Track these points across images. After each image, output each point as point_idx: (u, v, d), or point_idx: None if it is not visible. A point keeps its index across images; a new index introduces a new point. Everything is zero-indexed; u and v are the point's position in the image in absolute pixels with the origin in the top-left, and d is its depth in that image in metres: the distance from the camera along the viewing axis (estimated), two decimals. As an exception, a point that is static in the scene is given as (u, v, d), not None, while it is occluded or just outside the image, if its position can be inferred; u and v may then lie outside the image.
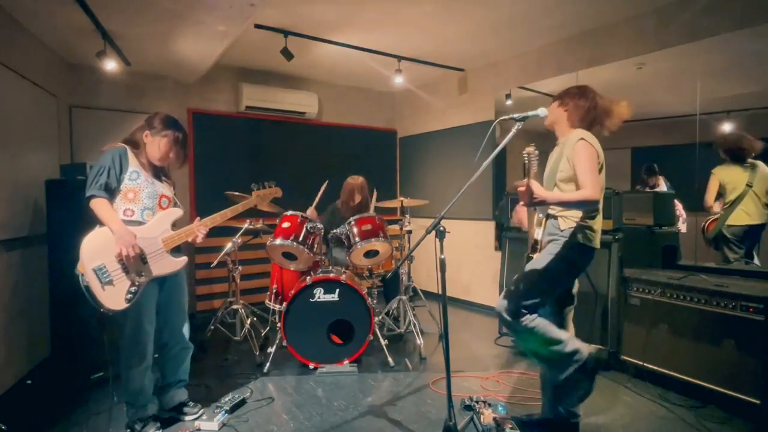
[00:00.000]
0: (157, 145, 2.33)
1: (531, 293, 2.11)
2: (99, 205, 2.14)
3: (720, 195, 3.37)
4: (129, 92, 4.29)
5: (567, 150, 2.11)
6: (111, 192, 2.19)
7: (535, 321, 2.10)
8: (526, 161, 2.00)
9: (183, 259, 2.36)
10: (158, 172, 2.42)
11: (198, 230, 2.38)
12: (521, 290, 2.12)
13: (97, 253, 2.11)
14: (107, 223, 2.14)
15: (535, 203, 1.98)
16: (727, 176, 3.33)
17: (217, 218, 2.46)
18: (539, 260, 2.15)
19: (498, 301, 2.20)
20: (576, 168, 2.04)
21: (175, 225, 2.35)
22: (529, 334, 2.11)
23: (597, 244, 2.14)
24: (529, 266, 2.17)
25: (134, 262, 2.17)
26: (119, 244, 2.11)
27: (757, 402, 2.35)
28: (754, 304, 2.41)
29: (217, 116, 4.83)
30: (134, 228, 2.20)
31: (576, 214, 2.11)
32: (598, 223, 2.14)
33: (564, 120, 2.20)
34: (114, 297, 2.13)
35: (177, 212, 2.37)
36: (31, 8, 2.92)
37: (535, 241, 2.24)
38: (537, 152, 1.99)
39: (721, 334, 2.53)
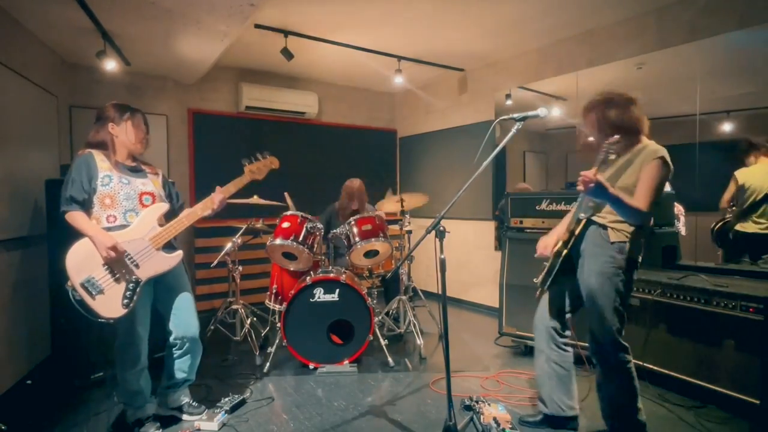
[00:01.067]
0: (125, 131, 2.27)
1: (616, 320, 2.04)
2: (72, 218, 2.12)
3: (735, 199, 3.24)
4: (129, 92, 4.29)
5: (642, 161, 2.01)
6: (81, 203, 2.14)
7: (631, 361, 2.10)
8: (605, 152, 1.91)
9: (177, 254, 2.29)
10: (136, 167, 2.34)
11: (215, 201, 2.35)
12: (608, 322, 2.04)
13: (82, 266, 2.08)
14: (84, 232, 2.11)
15: (595, 193, 1.89)
16: (749, 179, 3.18)
17: (197, 210, 2.36)
18: (601, 289, 2.05)
19: (590, 348, 2.14)
20: (642, 180, 1.98)
21: (164, 220, 2.29)
22: (625, 374, 2.08)
23: (641, 258, 2.09)
24: (599, 299, 2.06)
25: (121, 266, 2.13)
26: (99, 248, 2.08)
27: (757, 402, 2.34)
28: (754, 304, 2.40)
29: (217, 116, 4.83)
30: (119, 232, 2.15)
31: (627, 228, 2.03)
32: (643, 238, 2.09)
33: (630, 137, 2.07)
34: (109, 305, 2.10)
35: (162, 207, 2.29)
36: (31, 8, 2.93)
37: (571, 236, 2.12)
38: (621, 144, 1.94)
39: (721, 334, 2.53)
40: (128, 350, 2.28)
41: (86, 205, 2.16)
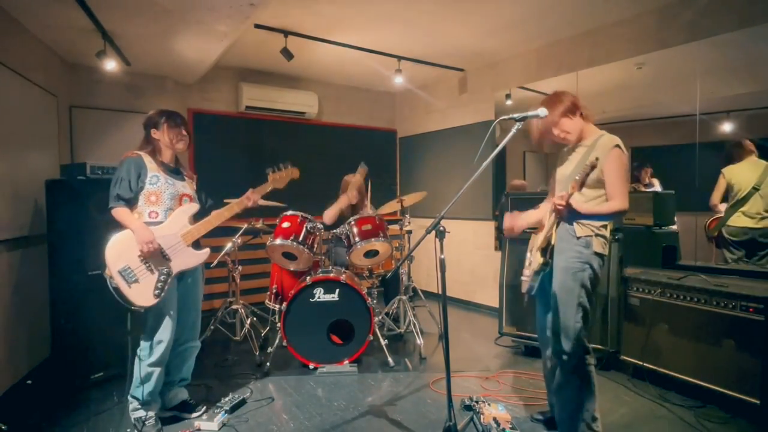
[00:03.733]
0: (164, 134, 2.41)
1: (580, 317, 2.03)
2: (118, 213, 2.27)
3: (726, 195, 3.32)
4: (129, 92, 4.29)
5: (598, 155, 1.99)
6: (127, 201, 2.29)
7: (592, 365, 2.06)
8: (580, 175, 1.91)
9: (205, 251, 2.45)
10: (177, 169, 2.49)
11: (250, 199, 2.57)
12: (574, 322, 2.02)
13: (120, 256, 2.23)
14: (127, 225, 2.25)
15: (573, 218, 1.95)
16: (735, 176, 3.28)
17: (234, 207, 2.53)
18: (563, 285, 2.06)
19: (552, 347, 2.10)
20: (607, 176, 2.00)
21: (195, 220, 2.44)
22: (585, 378, 2.03)
23: (607, 250, 2.12)
24: (561, 295, 2.07)
25: (155, 258, 2.26)
26: (138, 240, 2.22)
27: (757, 402, 2.35)
28: (754, 304, 2.41)
29: (217, 116, 4.83)
30: (155, 227, 2.29)
31: (593, 222, 2.05)
32: (608, 231, 2.12)
33: (586, 125, 2.13)
34: (142, 294, 2.23)
35: (193, 208, 2.45)
36: (31, 8, 2.93)
37: (549, 245, 2.11)
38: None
39: (721, 334, 2.53)
40: (156, 343, 2.32)
41: (131, 203, 2.31)
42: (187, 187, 2.49)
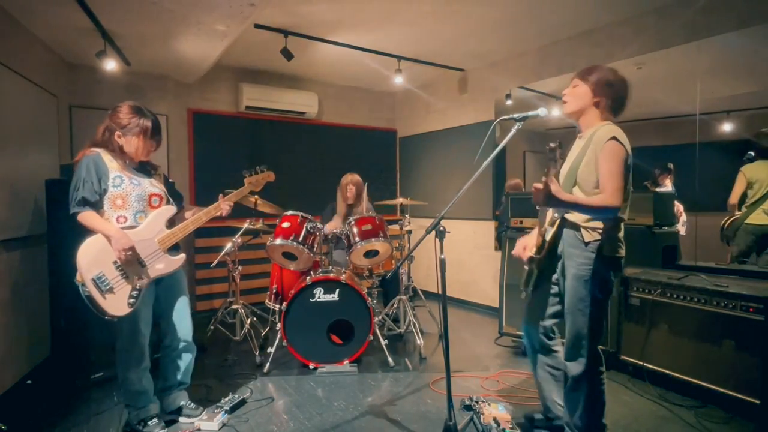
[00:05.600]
0: (132, 143, 2.22)
1: (593, 326, 1.94)
2: (86, 218, 2.11)
3: (746, 195, 3.30)
4: (129, 92, 4.29)
5: (595, 148, 1.91)
6: (93, 204, 2.12)
7: (603, 374, 2.01)
8: (550, 158, 1.83)
9: (181, 257, 2.33)
10: (144, 167, 2.33)
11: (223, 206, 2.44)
12: (585, 330, 1.95)
13: (94, 263, 2.08)
14: (100, 230, 2.10)
15: (550, 204, 1.82)
16: (755, 174, 3.26)
17: (202, 217, 2.39)
18: (575, 293, 1.97)
19: (565, 353, 2.06)
20: (600, 170, 1.87)
21: (171, 223, 2.32)
22: (594, 386, 1.98)
23: (623, 252, 1.98)
24: (573, 302, 1.98)
25: (132, 266, 2.15)
26: (115, 248, 2.08)
27: (757, 402, 2.35)
28: (754, 304, 2.41)
29: (217, 116, 4.83)
30: (130, 232, 2.16)
31: (600, 225, 1.92)
32: (622, 231, 1.98)
33: (593, 110, 1.99)
34: (116, 303, 2.11)
35: (170, 210, 2.31)
36: (31, 8, 2.93)
37: (543, 241, 2.08)
38: (561, 150, 1.84)
39: (721, 334, 2.53)
40: (133, 349, 2.27)
41: (97, 206, 2.14)
42: (155, 184, 2.31)
